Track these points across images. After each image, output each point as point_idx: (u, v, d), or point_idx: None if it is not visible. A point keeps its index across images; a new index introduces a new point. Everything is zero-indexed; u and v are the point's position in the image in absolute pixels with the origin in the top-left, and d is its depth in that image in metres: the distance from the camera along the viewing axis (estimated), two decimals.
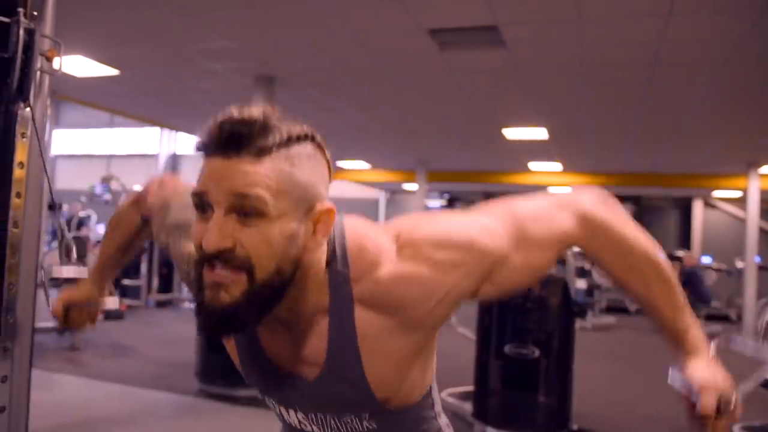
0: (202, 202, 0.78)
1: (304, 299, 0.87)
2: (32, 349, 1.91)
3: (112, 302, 1.53)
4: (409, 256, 0.88)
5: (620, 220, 0.99)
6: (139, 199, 1.28)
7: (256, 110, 0.78)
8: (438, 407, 1.09)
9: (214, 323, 0.79)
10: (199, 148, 0.81)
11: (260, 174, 0.76)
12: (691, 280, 9.81)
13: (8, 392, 1.81)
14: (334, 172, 0.88)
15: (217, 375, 4.71)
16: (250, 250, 0.76)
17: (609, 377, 6.29)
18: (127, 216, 1.35)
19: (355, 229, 0.91)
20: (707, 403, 0.91)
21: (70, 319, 1.40)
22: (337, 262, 0.88)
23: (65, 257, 1.93)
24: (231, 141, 0.76)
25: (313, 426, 0.99)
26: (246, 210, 0.76)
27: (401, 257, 0.88)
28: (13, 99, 1.77)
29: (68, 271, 1.87)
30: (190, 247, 0.93)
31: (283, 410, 1.01)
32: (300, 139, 0.80)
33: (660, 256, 0.99)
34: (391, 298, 0.87)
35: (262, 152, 0.76)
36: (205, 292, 0.79)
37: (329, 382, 0.91)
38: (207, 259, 0.77)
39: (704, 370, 0.95)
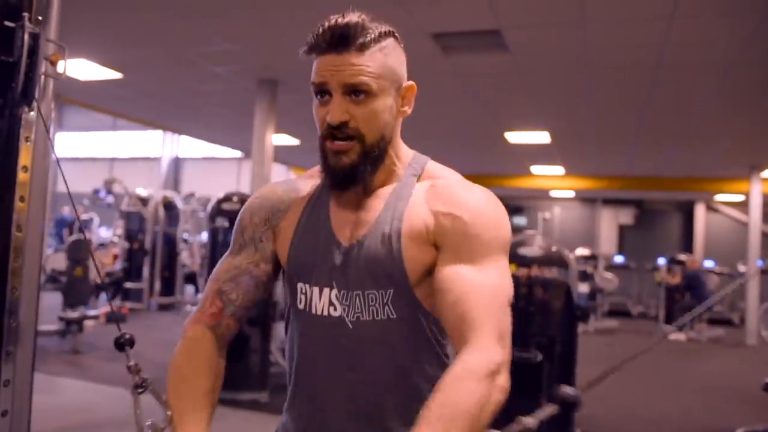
0: (321, 90, 1.03)
1: (387, 167, 1.11)
2: (35, 353, 1.91)
3: None
4: (469, 183, 1.11)
5: (483, 392, 0.89)
6: (196, 316, 1.14)
7: (354, 16, 1.02)
8: (449, 349, 1.08)
9: (341, 179, 1.06)
10: (311, 50, 1.04)
11: (364, 64, 1.01)
12: (692, 283, 9.80)
13: (10, 396, 1.80)
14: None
15: None
16: (360, 122, 1.03)
17: (611, 381, 6.25)
18: (191, 351, 1.10)
19: (437, 163, 1.17)
20: None
21: None
22: (416, 167, 1.14)
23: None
24: (340, 40, 1.01)
25: (341, 306, 1.07)
26: (356, 93, 1.01)
27: (460, 182, 1.12)
28: (18, 103, 1.78)
29: None
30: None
31: (316, 293, 1.10)
32: (387, 35, 1.06)
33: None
34: (439, 191, 1.09)
35: (363, 47, 1.01)
36: (329, 159, 1.05)
37: (373, 238, 1.07)
38: (330, 132, 1.03)
39: None
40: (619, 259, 13.67)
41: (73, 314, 6.30)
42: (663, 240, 14.84)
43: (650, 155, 9.35)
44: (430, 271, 1.05)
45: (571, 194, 14.53)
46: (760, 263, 9.92)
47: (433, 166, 1.16)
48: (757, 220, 9.60)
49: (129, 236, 9.75)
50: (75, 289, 6.51)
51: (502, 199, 1.11)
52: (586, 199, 15.28)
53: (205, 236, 11.99)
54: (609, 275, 11.60)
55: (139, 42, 5.16)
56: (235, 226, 1.21)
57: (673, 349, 8.76)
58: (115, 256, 10.43)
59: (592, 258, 11.45)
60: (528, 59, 4.96)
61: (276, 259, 1.17)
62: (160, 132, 16.52)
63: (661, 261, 11.83)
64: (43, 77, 1.84)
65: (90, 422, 4.20)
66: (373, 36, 1.02)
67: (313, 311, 1.10)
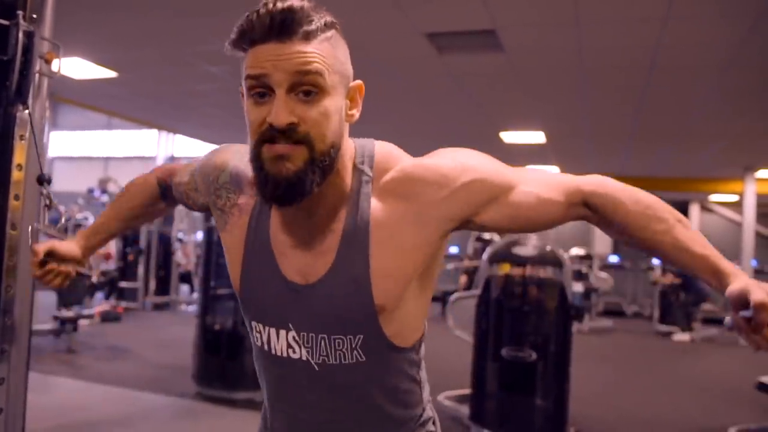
0: (261, 86, 0.86)
1: (333, 183, 0.93)
2: (29, 352, 1.91)
3: (87, 270, 1.45)
4: (434, 155, 0.99)
5: (630, 187, 1.02)
6: (161, 169, 1.32)
7: (295, 1, 0.86)
8: (424, 381, 1.11)
9: (282, 191, 0.87)
10: (242, 39, 0.88)
11: (314, 53, 0.85)
12: (686, 280, 9.81)
13: (5, 395, 1.81)
14: None
15: (214, 378, 4.71)
16: (311, 126, 0.86)
17: (606, 380, 6.29)
18: (141, 184, 1.32)
19: (385, 145, 1.02)
20: (760, 297, 0.83)
21: (46, 269, 1.29)
22: (365, 163, 0.97)
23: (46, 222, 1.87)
24: (283, 27, 0.84)
25: (303, 349, 0.98)
26: (305, 87, 0.85)
27: (427, 156, 1.00)
28: (12, 101, 1.78)
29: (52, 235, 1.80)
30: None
31: (272, 334, 1.01)
32: (332, 25, 0.90)
33: (673, 209, 1.01)
34: (408, 182, 0.95)
35: (311, 35, 0.86)
36: (266, 167, 0.87)
37: (334, 278, 0.94)
38: (270, 136, 0.86)
39: (751, 281, 0.88)
40: (613, 258, 13.70)
41: (67, 313, 6.29)
42: None
43: (645, 155, 9.38)
44: (405, 292, 0.97)
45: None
46: (754, 263, 9.96)
47: (382, 156, 0.99)
48: (751, 220, 9.65)
49: (124, 237, 9.73)
50: (70, 289, 6.49)
51: None
52: None
53: (200, 235, 11.99)
54: (604, 275, 11.63)
55: (135, 41, 5.15)
56: (201, 163, 1.15)
57: (666, 349, 8.80)
58: (108, 255, 10.41)
59: (587, 258, 11.47)
60: (523, 59, 4.97)
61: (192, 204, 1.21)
62: (155, 131, 16.48)
63: (656, 261, 11.87)
64: (37, 76, 1.85)
65: (85, 421, 4.19)
66: (319, 24, 0.87)
67: (273, 351, 1.02)
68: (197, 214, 11.48)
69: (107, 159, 18.56)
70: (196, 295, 10.36)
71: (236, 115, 6.71)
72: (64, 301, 6.40)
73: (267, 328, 1.02)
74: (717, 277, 0.92)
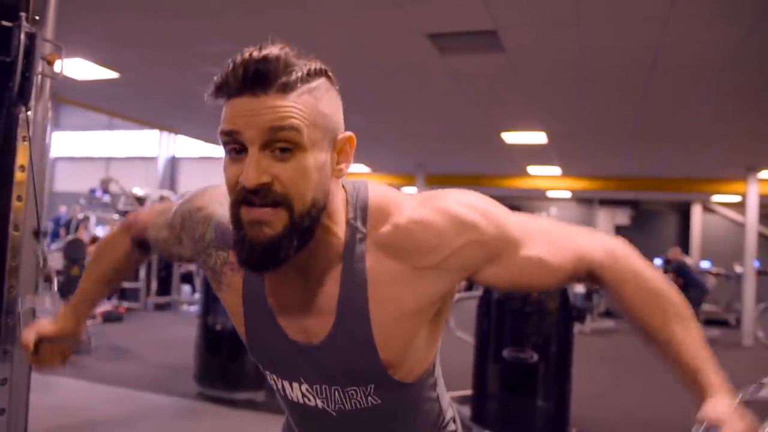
0: (234, 142, 0.81)
1: (324, 242, 0.89)
2: None
3: (84, 340, 1.38)
4: (431, 206, 0.91)
5: (643, 262, 0.98)
6: (131, 224, 1.25)
7: (274, 49, 0.80)
8: (441, 389, 1.11)
9: (259, 257, 0.82)
10: (219, 91, 0.82)
11: (291, 107, 0.79)
12: (680, 272, 9.79)
13: (8, 395, 1.81)
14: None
15: (215, 378, 4.71)
16: (287, 185, 0.79)
17: (607, 382, 6.29)
18: (113, 243, 1.29)
19: (379, 190, 0.95)
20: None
21: (40, 354, 1.26)
22: (357, 217, 0.91)
23: (44, 287, 1.89)
24: (257, 79, 0.78)
25: (317, 399, 0.98)
26: (280, 144, 0.79)
27: (423, 206, 0.91)
28: (14, 102, 1.78)
29: (43, 303, 1.82)
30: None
31: (286, 385, 1.00)
32: (317, 73, 0.84)
33: (681, 297, 0.96)
34: (406, 240, 0.89)
35: (288, 87, 0.79)
36: (245, 230, 0.82)
37: (337, 341, 0.91)
38: (245, 197, 0.80)
39: (727, 408, 0.85)
40: None
41: None
42: (659, 241, 14.86)
43: (647, 156, 9.37)
44: (413, 343, 0.94)
45: (568, 195, 14.56)
46: (756, 264, 9.94)
47: (375, 206, 0.93)
48: (754, 221, 9.63)
49: None
50: (72, 289, 6.49)
51: (498, 199, 0.99)
52: (582, 199, 15.32)
53: None
54: None
55: (136, 42, 5.15)
56: (180, 215, 1.07)
57: None
58: None
59: None
60: (524, 60, 4.97)
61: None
62: (156, 131, 16.51)
63: (657, 262, 11.87)
64: (40, 77, 1.85)
65: (86, 421, 4.19)
66: (299, 74, 0.80)
67: (289, 398, 1.02)
68: None
69: (109, 159, 18.58)
70: (197, 296, 10.37)
71: None
72: (66, 301, 6.42)
73: (280, 379, 1.01)
74: (699, 391, 0.90)
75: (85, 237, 8.59)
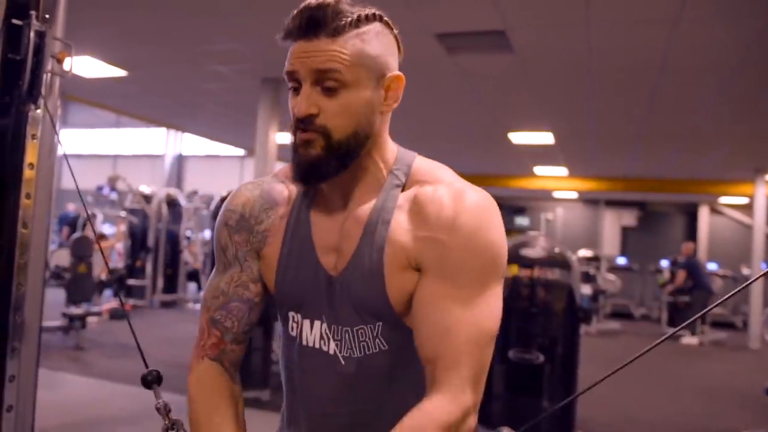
0: (293, 80, 0.95)
1: (369, 171, 1.01)
2: (39, 349, 1.92)
3: None
4: (462, 188, 0.98)
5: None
6: (204, 342, 1.10)
7: (328, 0, 0.92)
8: None
9: (305, 172, 0.97)
10: (286, 36, 0.95)
11: (336, 50, 0.91)
12: (692, 269, 9.73)
13: (15, 391, 1.82)
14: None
15: None
16: (329, 116, 0.93)
17: (613, 383, 6.22)
18: (206, 388, 1.08)
19: (425, 159, 1.06)
20: None
21: None
22: (400, 170, 1.02)
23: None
24: (310, 25, 0.92)
25: (332, 342, 1.02)
26: (327, 83, 0.92)
27: (448, 188, 0.98)
28: (24, 101, 1.79)
29: None
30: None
31: (306, 326, 1.05)
32: (369, 19, 0.95)
33: None
34: (425, 206, 0.97)
35: (336, 32, 0.92)
36: (298, 150, 0.96)
37: (353, 271, 0.99)
38: (297, 124, 0.94)
39: None
40: (621, 260, 13.65)
41: (76, 311, 6.32)
42: (666, 242, 14.81)
43: (654, 157, 9.34)
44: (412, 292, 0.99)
45: (574, 195, 14.53)
46: (764, 266, 9.89)
47: (419, 168, 1.03)
48: (762, 222, 9.58)
49: (132, 236, 9.79)
50: (78, 286, 6.53)
51: (505, 199, 1.00)
52: (589, 200, 15.27)
53: (207, 234, 12.02)
54: (611, 277, 11.60)
55: (145, 40, 5.17)
56: (214, 242, 1.13)
57: (674, 352, 8.76)
58: (118, 253, 10.46)
59: (595, 259, 11.45)
60: (532, 60, 4.96)
61: (262, 278, 1.09)
62: (163, 129, 16.56)
63: (664, 263, 11.83)
64: (49, 75, 1.86)
65: (92, 418, 4.21)
66: (349, 20, 0.92)
67: (304, 342, 1.05)
68: (204, 213, 11.53)
69: (116, 157, 18.65)
70: (203, 294, 10.41)
71: (244, 113, 6.74)
72: (73, 299, 6.44)
73: (303, 320, 1.05)
74: None
75: (91, 234, 8.63)
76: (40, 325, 1.93)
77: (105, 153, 18.67)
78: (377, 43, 0.95)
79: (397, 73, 0.99)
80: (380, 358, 1.01)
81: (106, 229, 12.43)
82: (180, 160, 17.81)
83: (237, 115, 8.00)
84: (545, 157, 9.81)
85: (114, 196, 10.49)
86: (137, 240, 9.67)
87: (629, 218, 15.19)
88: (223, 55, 5.39)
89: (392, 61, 0.99)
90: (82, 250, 6.69)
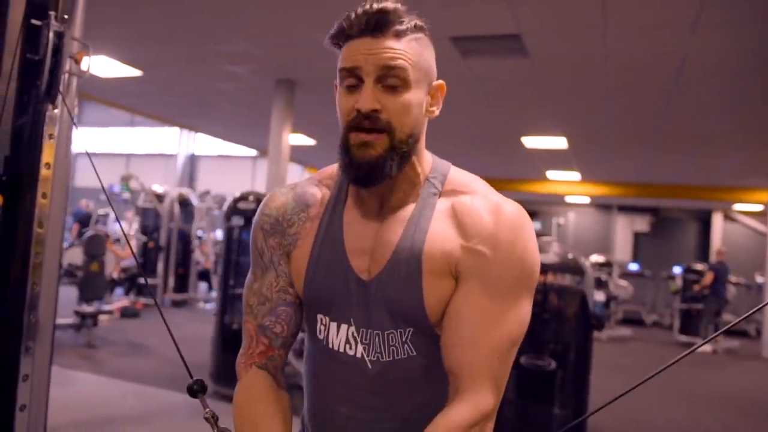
0: (352, 76, 0.96)
1: (408, 176, 1.02)
2: (53, 348, 1.92)
3: None
4: (498, 201, 1.01)
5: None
6: (252, 350, 1.09)
7: (390, 3, 0.96)
8: None
9: (365, 173, 0.96)
10: (338, 36, 0.98)
11: (402, 49, 0.95)
12: (718, 275, 9.60)
13: (29, 391, 1.82)
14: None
15: (231, 377, 4.67)
16: (392, 114, 0.95)
17: (624, 389, 6.21)
18: (250, 403, 1.06)
19: (460, 170, 1.08)
20: None
21: None
22: (436, 179, 1.05)
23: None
24: (377, 25, 0.94)
25: (359, 346, 1.02)
26: (391, 80, 0.94)
27: (485, 200, 1.01)
28: (42, 100, 1.80)
29: None
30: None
31: (333, 329, 1.05)
32: (421, 28, 0.99)
33: None
34: (466, 215, 1.00)
35: (400, 34, 0.95)
36: (352, 152, 0.96)
37: (389, 275, 0.99)
38: (356, 122, 0.95)
39: None
40: (633, 266, 13.56)
41: (88, 309, 6.35)
42: (678, 248, 14.69)
43: (668, 162, 9.27)
44: (448, 300, 1.00)
45: (587, 200, 14.45)
46: None
47: (455, 178, 1.06)
48: None
49: (144, 232, 9.83)
50: (91, 284, 6.56)
51: (517, 203, 1.03)
52: (601, 205, 15.18)
53: (219, 234, 12.05)
54: (624, 283, 11.51)
55: (160, 40, 5.19)
56: (251, 245, 1.14)
57: (687, 359, 8.66)
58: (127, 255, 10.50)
59: (607, 265, 11.35)
60: (547, 64, 4.93)
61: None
62: (176, 129, 16.63)
63: (677, 270, 11.72)
64: (67, 75, 1.86)
65: (103, 417, 4.22)
66: (409, 25, 0.96)
67: (331, 345, 1.06)
68: (216, 213, 11.56)
69: (129, 156, 18.76)
70: (214, 293, 10.42)
71: (257, 113, 6.75)
72: (85, 297, 6.47)
73: (330, 323, 1.06)
74: None
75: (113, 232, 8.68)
76: (54, 324, 1.93)
77: (118, 152, 18.77)
78: (429, 51, 1.01)
79: (441, 81, 1.04)
80: (408, 363, 1.01)
81: (118, 227, 12.50)
82: (192, 160, 17.88)
83: (250, 115, 8.03)
84: (558, 161, 9.76)
85: (126, 195, 10.54)
86: (149, 238, 9.71)
87: (642, 224, 15.09)
88: (238, 56, 5.40)
89: (436, 71, 1.04)
90: (95, 249, 6.72)
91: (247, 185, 16.84)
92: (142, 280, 9.33)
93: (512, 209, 0.99)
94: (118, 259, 8.41)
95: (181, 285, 9.86)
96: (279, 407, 1.06)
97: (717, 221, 14.48)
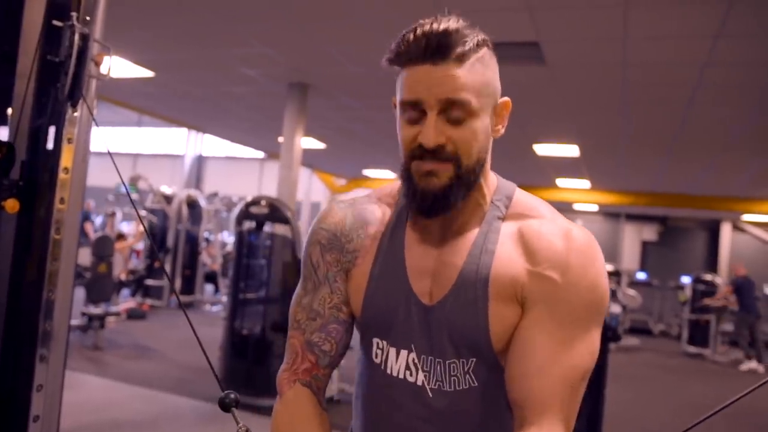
0: (414, 110, 0.91)
1: (473, 198, 0.98)
2: (66, 357, 1.87)
3: None
4: (569, 226, 0.96)
5: None
6: (296, 366, 1.05)
7: (450, 22, 0.89)
8: None
9: (430, 204, 0.92)
10: (397, 58, 0.92)
11: (465, 77, 0.88)
12: (741, 289, 9.46)
13: (42, 401, 1.77)
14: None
15: (240, 383, 4.67)
16: (459, 146, 0.90)
17: (634, 401, 6.14)
18: (296, 418, 1.03)
19: (525, 192, 1.04)
20: None
21: None
22: (501, 201, 1.00)
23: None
24: (438, 50, 0.87)
25: (420, 373, 0.98)
26: (456, 113, 0.89)
27: (554, 225, 0.96)
28: (63, 103, 1.75)
29: None
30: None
31: (392, 354, 1.00)
32: (483, 43, 0.93)
33: None
34: (533, 240, 0.95)
35: (463, 57, 0.88)
36: (416, 181, 0.92)
37: (454, 300, 0.95)
38: (421, 154, 0.91)
39: None
40: (641, 275, 13.47)
41: (95, 310, 6.32)
42: (686, 258, 14.61)
43: (680, 172, 9.20)
44: (515, 327, 0.95)
45: (595, 208, 14.38)
46: None
47: (520, 201, 1.01)
48: None
49: (152, 233, 9.81)
50: (98, 286, 6.53)
51: None
52: (609, 213, 15.11)
53: (226, 236, 12.02)
54: (632, 292, 11.43)
55: (175, 42, 5.16)
56: (304, 259, 1.09)
57: (698, 371, 8.60)
58: (136, 252, 10.48)
59: (615, 274, 11.28)
60: (564, 73, 4.88)
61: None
62: (184, 130, 16.63)
63: (686, 279, 11.64)
64: (87, 77, 1.82)
65: (111, 421, 4.18)
66: (471, 45, 0.89)
67: (389, 371, 1.01)
68: (224, 215, 11.54)
69: (136, 156, 18.76)
70: (220, 296, 10.39)
71: (268, 117, 6.70)
72: (93, 298, 6.43)
73: (389, 347, 1.01)
74: None
75: (111, 233, 8.65)
76: (68, 332, 1.89)
77: (126, 152, 18.77)
78: (492, 69, 0.95)
79: (506, 99, 0.99)
80: (470, 394, 0.96)
81: (125, 228, 12.49)
82: (200, 161, 17.87)
83: (260, 118, 7.99)
84: (569, 169, 9.69)
85: (134, 195, 10.53)
86: (156, 240, 9.68)
87: (650, 233, 15.01)
88: (253, 59, 5.37)
89: (499, 86, 0.97)
90: (103, 250, 6.69)
91: (254, 187, 16.82)
92: (149, 281, 9.29)
93: (582, 235, 0.95)
94: (127, 261, 8.39)
95: (188, 287, 9.83)
96: (323, 430, 1.02)
97: (725, 231, 14.40)
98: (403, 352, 0.99)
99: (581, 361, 0.89)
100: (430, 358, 0.97)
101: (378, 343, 1.02)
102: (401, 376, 0.99)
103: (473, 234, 0.98)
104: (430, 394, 0.97)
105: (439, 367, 0.96)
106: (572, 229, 0.95)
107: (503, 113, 0.99)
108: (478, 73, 0.90)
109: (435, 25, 0.88)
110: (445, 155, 0.90)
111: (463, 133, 0.90)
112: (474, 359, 0.95)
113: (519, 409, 0.89)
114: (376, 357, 1.02)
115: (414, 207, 0.95)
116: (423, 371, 0.98)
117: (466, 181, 0.93)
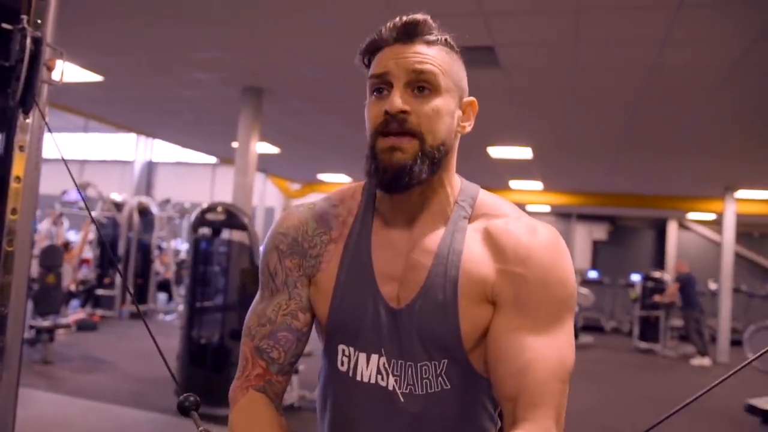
0: (382, 82, 0.94)
1: (438, 195, 0.99)
2: (20, 373, 1.80)
3: None
4: (533, 224, 0.98)
5: None
6: (249, 372, 1.02)
7: (420, 15, 0.96)
8: (498, 420, 1.05)
9: (391, 178, 0.92)
10: (371, 47, 0.98)
11: (432, 55, 0.94)
12: (685, 286, 9.77)
13: None
14: None
15: (198, 393, 4.54)
16: (422, 118, 0.92)
17: (591, 398, 6.27)
18: (253, 419, 1.00)
19: (489, 193, 1.06)
20: None
21: None
22: (466, 201, 1.01)
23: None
24: (408, 32, 0.95)
25: (391, 378, 0.97)
26: (420, 84, 0.93)
27: (519, 223, 0.98)
28: (14, 110, 1.68)
29: None
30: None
31: (362, 360, 0.99)
32: (452, 45, 0.98)
33: None
34: (501, 238, 0.96)
35: (431, 42, 0.95)
36: (379, 157, 0.93)
37: (423, 302, 0.95)
38: (384, 126, 0.92)
39: None
40: (593, 274, 13.79)
41: (44, 323, 6.10)
42: (636, 256, 15.03)
43: (628, 172, 9.45)
44: (486, 332, 0.95)
45: (547, 209, 14.65)
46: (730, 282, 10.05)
47: (485, 201, 1.02)
48: (731, 239, 9.76)
49: (102, 243, 9.54)
50: (47, 297, 6.30)
51: None
52: (561, 214, 15.43)
53: (179, 243, 11.78)
54: (585, 291, 11.69)
55: (125, 46, 5.03)
56: (262, 266, 1.06)
57: (650, 366, 8.84)
58: (86, 261, 10.17)
59: None
60: (518, 76, 4.96)
61: (311, 306, 1.04)
62: (133, 135, 16.25)
63: (636, 277, 11.97)
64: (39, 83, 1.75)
65: None
66: (439, 37, 0.96)
67: (358, 378, 0.99)
68: (177, 222, 11.30)
69: (83, 162, 18.24)
70: (174, 304, 10.17)
71: (220, 121, 6.60)
72: (41, 311, 6.21)
73: (357, 353, 0.99)
74: None
75: (59, 242, 8.37)
76: (21, 349, 1.81)
77: (72, 158, 18.22)
78: (458, 65, 0.99)
79: (473, 98, 1.02)
80: (441, 396, 0.96)
81: (72, 236, 12.10)
82: (150, 167, 17.48)
83: (213, 123, 7.86)
84: (522, 171, 9.86)
85: (81, 203, 10.21)
86: (106, 249, 9.42)
87: (600, 232, 15.38)
88: (206, 63, 5.28)
89: (467, 88, 1.01)
90: (51, 260, 6.46)
91: (206, 193, 16.55)
92: (100, 291, 9.03)
93: (548, 232, 0.97)
94: (76, 271, 8.13)
95: (141, 296, 9.59)
96: (277, 427, 0.98)
97: (672, 230, 14.87)
98: (374, 357, 0.98)
99: (566, 354, 0.91)
100: (400, 362, 0.97)
101: (344, 350, 1.00)
102: (372, 380, 0.98)
103: (439, 235, 0.98)
104: (402, 399, 0.97)
105: (410, 371, 0.96)
106: (537, 226, 0.97)
107: (469, 111, 1.01)
108: (445, 60, 0.95)
109: (406, 17, 0.95)
110: (408, 126, 0.91)
111: (427, 107, 0.92)
112: (446, 360, 0.95)
113: (510, 404, 0.88)
114: (342, 365, 1.01)
115: (378, 182, 0.95)
116: (393, 375, 0.97)
117: (431, 157, 0.93)
